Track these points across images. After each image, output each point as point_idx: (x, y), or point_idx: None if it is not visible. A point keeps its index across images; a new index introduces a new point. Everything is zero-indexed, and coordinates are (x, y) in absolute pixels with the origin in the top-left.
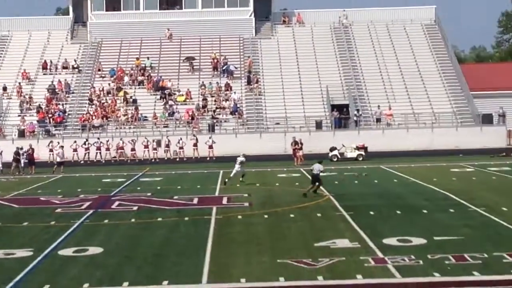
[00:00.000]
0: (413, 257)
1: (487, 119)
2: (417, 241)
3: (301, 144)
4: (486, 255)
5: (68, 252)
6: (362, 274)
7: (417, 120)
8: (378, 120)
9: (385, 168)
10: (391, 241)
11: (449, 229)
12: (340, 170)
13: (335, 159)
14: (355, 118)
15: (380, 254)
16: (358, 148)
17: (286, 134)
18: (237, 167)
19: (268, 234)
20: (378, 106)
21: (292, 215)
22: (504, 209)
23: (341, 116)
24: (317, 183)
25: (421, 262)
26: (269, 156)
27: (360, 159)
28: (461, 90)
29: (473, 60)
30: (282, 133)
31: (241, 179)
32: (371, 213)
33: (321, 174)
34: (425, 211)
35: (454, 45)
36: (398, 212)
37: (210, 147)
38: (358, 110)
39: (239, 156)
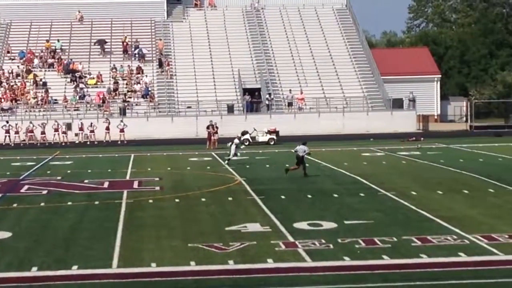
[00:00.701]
0: (323, 241)
1: (397, 104)
2: (328, 225)
3: (217, 127)
4: (395, 239)
5: None
6: (272, 258)
7: (329, 105)
8: (290, 104)
9: None
10: (302, 225)
11: (360, 213)
12: (252, 154)
13: (247, 143)
14: (267, 102)
15: (290, 238)
16: (269, 132)
17: (198, 118)
18: (233, 147)
19: (179, 218)
20: (290, 90)
21: (203, 199)
22: (414, 193)
23: (253, 100)
24: (301, 165)
25: (331, 246)
26: (181, 140)
27: (272, 143)
28: (371, 74)
29: (384, 45)
30: (193, 117)
31: (226, 161)
32: (282, 197)
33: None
34: (335, 195)
35: (365, 29)
36: (309, 196)
37: (122, 130)
38: (270, 94)
39: (240, 136)
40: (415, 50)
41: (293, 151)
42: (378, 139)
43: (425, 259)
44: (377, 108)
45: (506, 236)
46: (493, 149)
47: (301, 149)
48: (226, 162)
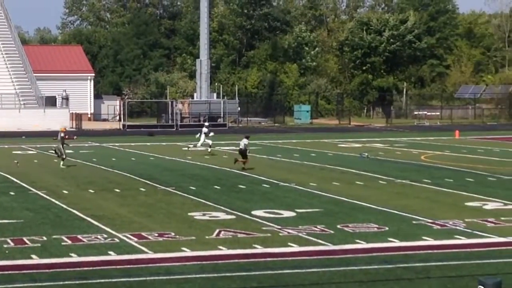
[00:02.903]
0: None
1: (50, 102)
2: None
3: None
4: (45, 238)
5: None
6: None
7: None
8: None
9: None
10: None
11: (9, 212)
12: None
13: None
14: None
15: None
16: None
17: None
18: (203, 137)
19: None
20: None
21: None
22: (65, 192)
23: None
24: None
25: None
26: None
27: None
28: (24, 71)
29: (37, 42)
30: None
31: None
32: None
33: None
34: None
35: (18, 25)
36: None
37: None
38: None
39: (204, 126)
40: (69, 48)
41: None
42: (30, 137)
43: (74, 258)
44: (30, 105)
45: (156, 235)
46: (145, 148)
47: (242, 142)
48: (188, 148)
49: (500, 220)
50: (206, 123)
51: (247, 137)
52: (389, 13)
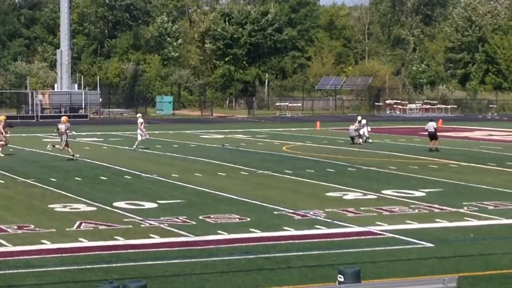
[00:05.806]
0: None
1: None
2: None
3: None
4: None
5: None
6: None
7: None
8: None
9: None
10: None
11: None
12: None
13: None
14: None
15: None
16: None
17: None
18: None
19: None
20: None
21: None
22: None
23: None
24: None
25: None
26: None
27: None
28: None
29: None
30: None
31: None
32: None
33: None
34: None
35: None
36: None
37: None
38: None
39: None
40: None
41: (425, 128)
42: None
43: None
44: None
45: (15, 227)
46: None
47: (431, 125)
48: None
49: (360, 209)
50: (359, 118)
51: (431, 120)
52: (250, 4)
